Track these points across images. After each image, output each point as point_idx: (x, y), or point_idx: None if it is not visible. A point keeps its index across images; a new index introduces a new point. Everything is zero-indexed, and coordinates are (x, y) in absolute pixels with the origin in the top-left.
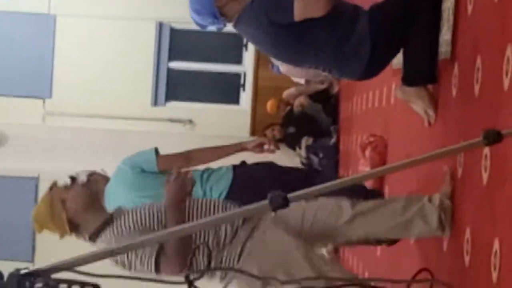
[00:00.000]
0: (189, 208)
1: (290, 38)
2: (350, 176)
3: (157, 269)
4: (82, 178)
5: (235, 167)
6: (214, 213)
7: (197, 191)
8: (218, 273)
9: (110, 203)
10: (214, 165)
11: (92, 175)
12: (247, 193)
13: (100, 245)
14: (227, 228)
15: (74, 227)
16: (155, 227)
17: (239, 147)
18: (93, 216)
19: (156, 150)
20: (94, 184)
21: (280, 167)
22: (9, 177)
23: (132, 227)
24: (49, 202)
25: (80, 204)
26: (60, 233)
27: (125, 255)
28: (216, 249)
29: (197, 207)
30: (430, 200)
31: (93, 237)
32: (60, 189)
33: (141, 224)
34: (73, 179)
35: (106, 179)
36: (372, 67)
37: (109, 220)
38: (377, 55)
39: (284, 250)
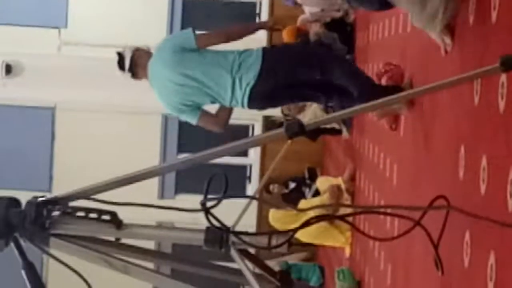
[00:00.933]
0: None
1: None
2: (367, 103)
3: None
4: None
5: (264, 52)
6: None
7: (227, 78)
8: None
9: (154, 81)
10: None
11: (137, 50)
12: (276, 78)
13: None
14: None
15: None
16: None
17: (266, 24)
18: None
19: (193, 29)
20: (138, 59)
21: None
22: (26, 107)
23: None
24: None
25: None
26: None
27: None
28: None
29: None
30: None
31: None
32: None
33: None
34: (119, 54)
35: (149, 54)
36: None
37: None
38: None
39: None
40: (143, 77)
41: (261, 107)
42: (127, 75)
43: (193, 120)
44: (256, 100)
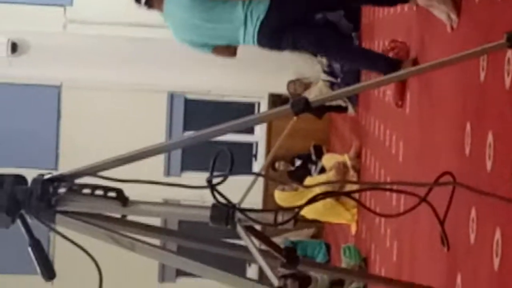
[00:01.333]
0: None
1: None
2: (372, 80)
3: None
4: None
5: None
6: None
7: (239, 15)
8: None
9: (169, 18)
10: None
11: None
12: (284, 12)
13: None
14: None
15: None
16: None
17: None
18: None
19: None
20: None
21: None
22: (32, 85)
23: None
24: None
25: None
26: None
27: None
28: None
29: None
30: None
31: None
32: None
33: None
34: None
35: None
36: None
37: None
38: None
39: None
40: (158, 9)
41: (270, 44)
42: (143, 7)
43: (207, 52)
44: (266, 35)
